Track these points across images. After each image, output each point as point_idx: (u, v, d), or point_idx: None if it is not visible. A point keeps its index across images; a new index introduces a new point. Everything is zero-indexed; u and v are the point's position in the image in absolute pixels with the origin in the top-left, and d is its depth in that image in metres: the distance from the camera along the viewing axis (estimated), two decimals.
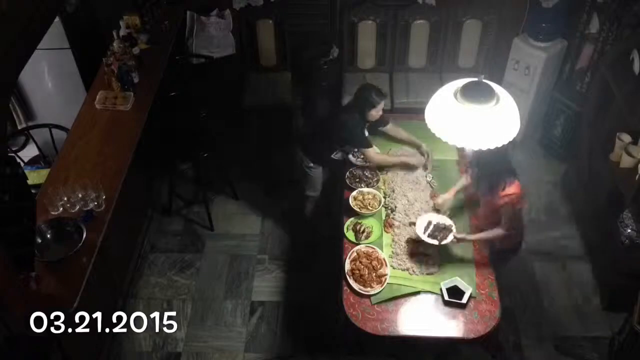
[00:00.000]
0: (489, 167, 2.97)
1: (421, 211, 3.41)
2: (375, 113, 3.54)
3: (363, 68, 4.96)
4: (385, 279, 3.07)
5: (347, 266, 3.14)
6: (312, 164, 3.78)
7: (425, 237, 3.16)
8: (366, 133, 3.63)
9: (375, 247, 3.22)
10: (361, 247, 3.23)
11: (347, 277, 3.09)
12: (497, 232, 3.10)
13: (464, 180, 3.44)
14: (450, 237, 3.15)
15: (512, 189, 2.99)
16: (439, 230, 3.18)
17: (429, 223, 3.23)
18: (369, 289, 3.03)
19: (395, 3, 4.68)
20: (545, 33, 4.35)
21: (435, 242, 3.14)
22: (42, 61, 4.18)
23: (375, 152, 3.62)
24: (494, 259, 3.25)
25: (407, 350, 3.43)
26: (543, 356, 3.60)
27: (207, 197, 4.36)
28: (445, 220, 3.25)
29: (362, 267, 3.11)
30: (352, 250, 3.21)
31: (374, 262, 3.13)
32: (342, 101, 4.61)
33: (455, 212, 3.40)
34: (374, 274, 3.09)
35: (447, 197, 3.40)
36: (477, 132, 2.58)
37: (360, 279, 3.07)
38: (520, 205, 3.05)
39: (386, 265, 3.13)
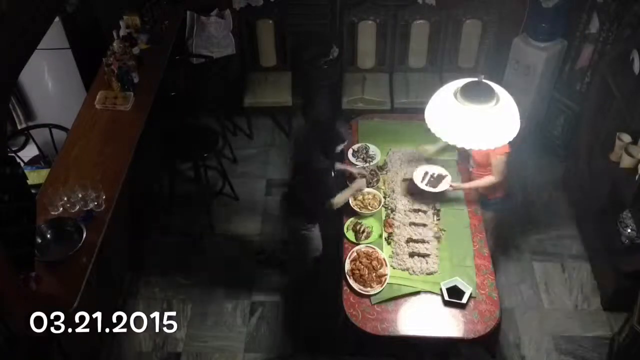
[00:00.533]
0: None
1: (420, 211, 3.43)
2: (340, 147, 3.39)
3: (363, 68, 4.96)
4: (385, 279, 3.07)
5: (347, 266, 3.14)
6: (308, 224, 3.62)
7: (422, 186, 3.38)
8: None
9: (375, 247, 3.22)
10: (361, 247, 3.23)
11: (347, 277, 3.09)
12: (489, 179, 3.30)
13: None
14: (446, 185, 3.36)
15: None
16: (436, 179, 3.41)
17: (426, 173, 3.46)
18: (369, 289, 3.04)
19: (395, 3, 4.68)
20: (545, 33, 4.35)
21: (431, 189, 3.35)
22: (42, 61, 4.18)
23: (338, 199, 3.35)
24: (486, 207, 3.50)
25: (407, 350, 3.42)
26: (543, 356, 3.60)
27: (207, 197, 4.36)
28: (441, 170, 3.48)
29: (362, 267, 3.11)
30: (352, 250, 3.21)
31: (374, 262, 3.13)
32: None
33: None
34: (374, 274, 3.09)
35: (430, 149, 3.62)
36: (477, 132, 2.58)
37: (360, 279, 3.07)
38: (506, 149, 3.17)
39: (386, 265, 3.13)
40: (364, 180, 3.51)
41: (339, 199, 3.36)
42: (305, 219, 3.58)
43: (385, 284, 3.06)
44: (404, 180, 3.62)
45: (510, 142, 2.93)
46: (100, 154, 3.57)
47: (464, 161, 3.63)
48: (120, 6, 4.36)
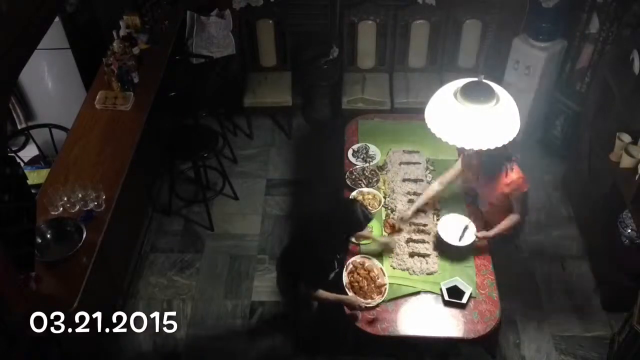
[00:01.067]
0: (489, 157, 3.00)
1: (420, 211, 3.43)
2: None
3: (363, 68, 4.96)
4: (385, 289, 3.04)
5: (345, 279, 3.09)
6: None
7: (450, 241, 3.19)
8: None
9: (370, 257, 3.19)
10: (356, 258, 3.19)
11: (347, 290, 3.05)
12: (514, 219, 3.16)
13: (423, 197, 3.40)
14: (472, 237, 3.20)
15: (514, 174, 3.07)
16: (462, 232, 3.24)
17: (450, 227, 3.26)
18: (369, 300, 3.00)
19: (395, 3, 4.68)
20: (545, 33, 4.35)
21: (460, 244, 3.19)
22: (42, 61, 4.17)
23: (318, 295, 3.02)
24: (492, 244, 3.32)
25: (407, 350, 3.43)
26: (543, 356, 3.60)
27: (207, 197, 4.36)
28: (463, 220, 3.30)
29: (360, 278, 3.08)
30: (347, 263, 3.16)
31: (372, 273, 3.11)
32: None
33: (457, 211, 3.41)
34: (373, 285, 3.06)
35: (407, 215, 3.36)
36: (477, 132, 2.58)
37: (360, 292, 3.04)
38: (525, 188, 3.11)
39: (384, 274, 3.11)
40: (359, 299, 3.00)
41: (321, 296, 3.00)
42: (283, 282, 3.33)
43: (386, 293, 3.03)
44: (404, 180, 3.62)
45: (512, 144, 2.94)
46: (100, 154, 3.57)
47: (472, 202, 3.50)
48: (120, 6, 4.36)
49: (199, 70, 4.73)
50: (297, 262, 3.08)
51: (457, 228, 3.27)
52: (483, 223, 3.36)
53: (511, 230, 3.23)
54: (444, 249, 3.25)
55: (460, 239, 3.22)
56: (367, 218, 2.89)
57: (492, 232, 3.21)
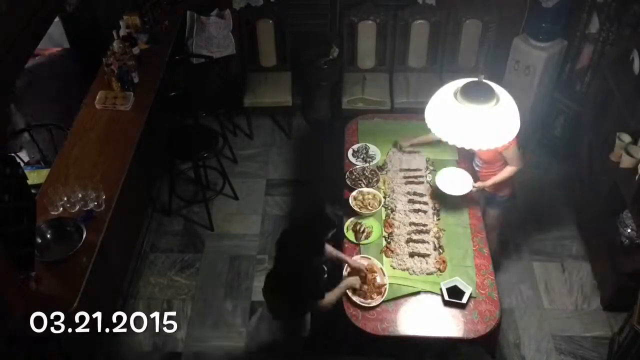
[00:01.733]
0: None
1: (420, 211, 3.43)
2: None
3: (363, 68, 4.96)
4: (385, 289, 3.04)
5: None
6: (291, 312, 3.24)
7: (448, 191, 3.36)
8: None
9: (370, 257, 3.18)
10: (356, 259, 3.18)
11: (347, 291, 3.04)
12: (509, 169, 3.30)
13: (424, 138, 3.61)
14: (469, 187, 3.36)
15: None
16: (458, 182, 3.42)
17: (448, 179, 3.44)
18: (369, 300, 3.00)
19: (395, 3, 4.69)
20: (545, 33, 4.35)
21: (457, 193, 3.34)
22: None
23: (327, 300, 2.96)
24: (492, 205, 3.56)
25: (407, 350, 3.42)
26: (543, 356, 3.60)
27: (207, 197, 4.36)
28: (462, 173, 3.47)
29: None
30: (346, 266, 3.15)
31: (371, 274, 3.09)
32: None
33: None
34: (373, 285, 3.05)
35: (406, 145, 3.74)
36: (477, 132, 2.59)
37: (360, 291, 3.03)
38: (514, 143, 3.15)
39: (384, 274, 3.10)
40: (357, 278, 3.06)
41: (329, 299, 2.95)
42: (289, 306, 3.16)
43: (386, 293, 3.03)
44: (404, 180, 3.62)
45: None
46: (100, 154, 3.57)
47: (466, 160, 3.63)
48: (121, 6, 4.36)
49: (199, 70, 4.73)
50: (293, 280, 2.93)
51: (454, 180, 3.43)
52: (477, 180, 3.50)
53: (508, 180, 3.36)
54: (443, 203, 3.44)
55: (457, 189, 3.37)
56: (335, 214, 2.97)
57: (488, 182, 3.36)
